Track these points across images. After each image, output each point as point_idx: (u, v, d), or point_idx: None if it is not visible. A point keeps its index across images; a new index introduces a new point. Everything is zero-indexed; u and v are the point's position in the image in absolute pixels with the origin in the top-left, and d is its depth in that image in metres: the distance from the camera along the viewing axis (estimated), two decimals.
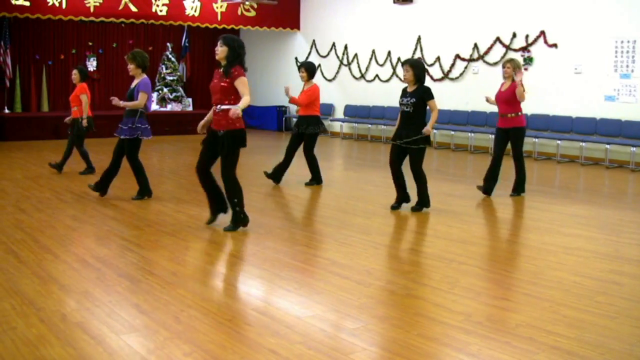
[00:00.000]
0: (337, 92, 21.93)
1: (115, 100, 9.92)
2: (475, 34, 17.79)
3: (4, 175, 12.36)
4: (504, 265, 7.14)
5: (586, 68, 15.55)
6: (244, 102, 7.77)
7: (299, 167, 11.97)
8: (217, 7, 21.26)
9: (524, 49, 16.70)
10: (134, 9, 19.65)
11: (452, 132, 17.79)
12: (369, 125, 20.40)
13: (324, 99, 21.40)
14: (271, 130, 22.96)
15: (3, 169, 13.20)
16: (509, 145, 10.83)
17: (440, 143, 18.35)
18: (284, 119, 23.11)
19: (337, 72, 21.98)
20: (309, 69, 11.67)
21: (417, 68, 9.41)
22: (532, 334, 4.98)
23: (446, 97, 18.00)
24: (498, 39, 17.27)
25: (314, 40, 22.67)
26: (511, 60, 10.80)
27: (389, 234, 8.66)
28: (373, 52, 20.73)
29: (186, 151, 16.82)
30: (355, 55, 21.33)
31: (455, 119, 17.98)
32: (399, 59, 19.76)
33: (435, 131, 17.98)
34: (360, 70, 21.22)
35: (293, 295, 5.92)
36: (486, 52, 17.54)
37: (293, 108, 23.23)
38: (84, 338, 4.80)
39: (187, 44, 23.47)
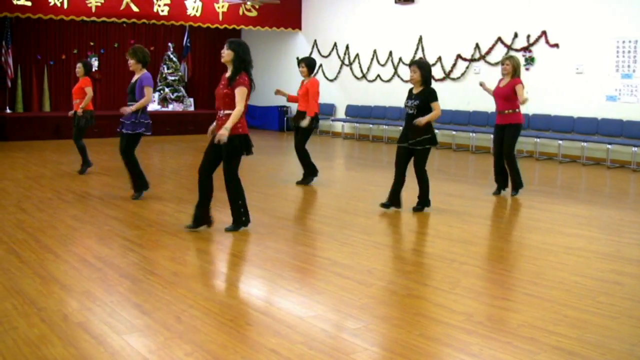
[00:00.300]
0: (339, 92, 21.93)
1: (124, 109, 9.89)
2: (477, 34, 17.79)
3: (5, 175, 12.37)
4: (505, 266, 7.14)
5: (588, 68, 15.55)
6: (233, 116, 7.80)
7: (299, 166, 11.95)
8: (218, 7, 21.26)
9: (526, 49, 16.69)
10: (135, 9, 19.65)
11: (454, 132, 17.79)
12: (371, 126, 20.39)
13: (325, 99, 21.46)
14: (273, 131, 22.97)
15: (4, 168, 13.20)
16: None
17: (442, 143, 18.32)
18: (285, 119, 23.12)
19: (339, 72, 21.99)
20: (309, 64, 11.67)
21: (424, 69, 9.43)
22: (533, 334, 4.98)
23: (448, 97, 17.98)
24: (499, 39, 17.27)
25: (315, 41, 22.67)
26: (511, 57, 10.83)
27: (390, 234, 8.66)
28: (374, 52, 20.73)
29: (187, 151, 16.82)
30: (357, 55, 21.33)
31: (457, 119, 17.98)
32: (400, 59, 19.78)
33: (436, 131, 17.89)
34: (361, 70, 21.22)
35: (294, 295, 5.92)
36: (488, 52, 17.54)
37: (294, 108, 23.24)
38: (85, 338, 4.80)
39: (188, 44, 23.48)
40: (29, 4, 17.97)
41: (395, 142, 9.65)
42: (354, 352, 4.61)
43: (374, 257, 7.25)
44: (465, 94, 17.88)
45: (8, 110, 19.95)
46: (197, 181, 8.16)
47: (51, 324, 5.05)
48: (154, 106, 21.84)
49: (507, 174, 10.92)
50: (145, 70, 10.04)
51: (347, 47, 21.65)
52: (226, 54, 7.88)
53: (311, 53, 22.56)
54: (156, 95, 22.05)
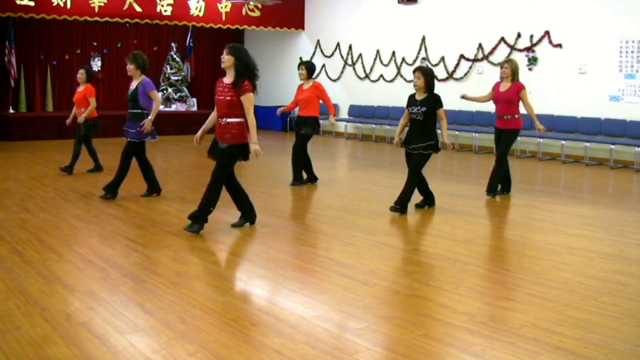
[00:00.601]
0: (342, 92, 21.92)
1: (147, 125, 9.88)
2: (480, 34, 17.77)
3: (8, 175, 12.38)
4: (508, 266, 7.13)
5: (591, 68, 15.53)
6: (253, 128, 7.81)
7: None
8: (221, 7, 21.27)
9: (529, 49, 16.68)
10: (138, 9, 19.66)
11: (457, 132, 17.77)
12: (374, 126, 20.39)
13: None
14: (276, 131, 22.97)
15: (8, 168, 13.22)
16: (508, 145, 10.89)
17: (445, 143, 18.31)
18: (288, 119, 23.11)
19: (342, 72, 21.98)
20: (309, 67, 11.67)
21: (428, 76, 9.46)
22: (536, 334, 4.97)
23: (450, 97, 17.94)
24: (503, 39, 17.26)
25: (318, 41, 22.67)
26: (509, 61, 10.84)
27: (393, 234, 8.65)
28: (377, 52, 20.73)
29: (190, 151, 16.82)
30: (360, 55, 21.33)
31: (460, 119, 17.96)
32: (403, 59, 19.78)
33: (439, 131, 17.90)
34: (364, 71, 21.21)
35: (297, 296, 5.93)
36: (491, 52, 17.53)
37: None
38: (88, 338, 4.80)
39: (191, 44, 23.47)
40: (32, 4, 17.99)
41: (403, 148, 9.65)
42: (357, 352, 4.61)
43: (377, 257, 7.25)
44: (469, 94, 17.84)
45: (11, 110, 19.94)
46: (229, 190, 8.30)
47: (54, 323, 5.06)
48: None
49: (509, 175, 10.92)
50: (144, 76, 10.04)
51: (350, 47, 21.65)
52: (226, 59, 7.82)
53: (314, 53, 22.56)
54: (159, 95, 22.02)
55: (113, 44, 22.30)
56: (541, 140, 16.03)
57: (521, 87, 10.58)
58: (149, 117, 9.90)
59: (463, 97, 11.27)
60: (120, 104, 21.20)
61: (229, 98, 7.81)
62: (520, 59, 16.55)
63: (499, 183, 10.86)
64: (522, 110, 10.78)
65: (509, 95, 10.56)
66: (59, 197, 10.29)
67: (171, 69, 22.48)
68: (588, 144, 15.29)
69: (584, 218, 9.47)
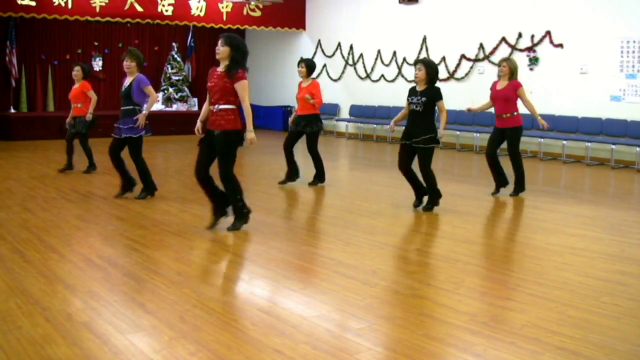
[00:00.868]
0: (343, 92, 21.93)
1: (141, 119, 9.91)
2: (481, 34, 17.77)
3: (9, 174, 12.39)
4: (509, 266, 7.13)
5: (592, 68, 15.53)
6: (249, 115, 7.87)
7: (304, 166, 11.93)
8: (222, 7, 21.27)
9: (530, 49, 16.68)
10: (139, 8, 19.66)
11: (458, 132, 17.78)
12: (375, 126, 20.39)
13: (329, 99, 21.46)
14: (276, 130, 22.96)
15: (9, 168, 13.22)
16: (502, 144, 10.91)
17: (446, 143, 18.31)
18: (289, 118, 23.09)
19: (343, 72, 21.98)
20: (308, 65, 11.64)
21: (430, 67, 9.42)
22: (537, 334, 4.97)
23: (452, 97, 17.94)
24: (504, 39, 17.25)
25: (319, 40, 22.67)
26: (508, 60, 10.82)
27: (394, 234, 8.65)
28: (378, 52, 20.73)
29: (192, 151, 16.72)
30: (361, 55, 21.33)
31: (461, 119, 17.95)
32: (404, 59, 19.77)
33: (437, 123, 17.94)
34: (365, 70, 21.21)
35: (298, 295, 5.93)
36: (492, 52, 17.52)
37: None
38: (89, 337, 4.80)
39: (192, 44, 23.48)
40: (33, 4, 17.99)
41: (398, 143, 9.59)
42: (358, 352, 4.61)
43: (378, 257, 7.25)
44: (469, 94, 17.83)
45: (12, 110, 19.96)
46: (200, 185, 8.13)
47: (55, 323, 5.06)
48: (157, 106, 21.85)
49: (504, 172, 10.90)
50: (138, 73, 10.04)
51: (351, 47, 21.65)
52: (222, 50, 7.81)
53: (315, 53, 22.55)
54: (160, 95, 22.09)
55: (114, 44, 22.31)
56: (542, 140, 16.03)
57: (518, 85, 10.60)
58: (143, 112, 9.91)
59: (469, 110, 11.22)
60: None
61: (226, 84, 7.81)
62: (522, 59, 16.56)
63: (502, 181, 10.88)
64: (522, 109, 10.78)
65: (507, 92, 10.56)
66: (60, 196, 10.29)
67: (172, 68, 22.49)
68: (589, 144, 15.28)
69: (585, 218, 9.46)
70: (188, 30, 23.15)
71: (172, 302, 5.60)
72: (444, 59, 18.74)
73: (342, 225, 8.74)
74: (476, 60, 18.01)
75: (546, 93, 16.18)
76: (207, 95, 8.10)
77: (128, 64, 9.94)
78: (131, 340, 4.77)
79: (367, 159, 16.66)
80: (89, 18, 19.23)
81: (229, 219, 8.26)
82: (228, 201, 8.25)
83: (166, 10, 20.22)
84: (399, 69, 20.03)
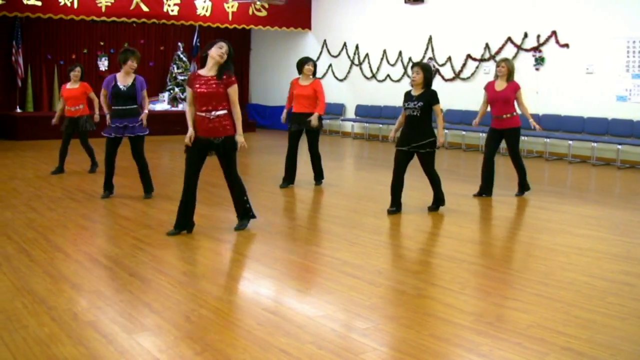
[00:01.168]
0: (348, 92, 21.93)
1: (145, 119, 9.98)
2: (487, 33, 17.75)
3: (15, 174, 12.41)
4: (515, 266, 7.13)
5: (598, 68, 15.50)
6: (240, 120, 7.84)
7: (308, 166, 11.92)
8: (228, 7, 21.28)
9: (536, 49, 16.66)
10: (145, 8, 19.69)
11: (464, 133, 17.76)
12: (380, 125, 20.38)
13: (335, 99, 21.48)
14: (282, 130, 22.91)
15: (15, 168, 13.25)
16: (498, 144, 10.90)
17: (452, 143, 18.31)
18: (282, 116, 23.07)
19: (348, 72, 21.98)
20: (315, 65, 11.67)
21: (427, 71, 9.34)
22: (543, 334, 4.97)
23: (457, 97, 17.98)
24: (509, 39, 17.23)
25: (325, 40, 22.67)
26: (507, 60, 10.76)
27: (399, 234, 8.65)
28: (384, 52, 20.72)
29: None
30: (367, 55, 21.32)
31: (467, 119, 17.87)
32: (410, 59, 19.74)
33: (446, 131, 17.97)
34: (371, 70, 21.21)
35: (304, 295, 5.93)
36: (497, 52, 17.49)
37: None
38: (95, 337, 4.81)
39: (198, 44, 23.48)
40: (39, 3, 18.03)
41: (397, 148, 9.49)
42: (364, 352, 4.61)
43: (384, 257, 7.25)
44: (475, 94, 17.73)
45: (18, 110, 20.01)
46: (186, 191, 7.99)
47: (61, 322, 5.07)
48: (163, 106, 21.90)
49: (493, 181, 10.86)
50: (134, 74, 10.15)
51: (356, 47, 21.64)
52: (225, 51, 7.73)
53: (321, 53, 22.56)
54: (166, 95, 22.14)
55: (120, 44, 22.29)
56: (548, 140, 16.01)
57: (518, 87, 10.56)
58: (146, 112, 10.07)
59: (476, 125, 11.13)
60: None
61: (216, 90, 7.70)
62: (527, 59, 16.56)
63: (522, 181, 10.87)
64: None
65: (507, 93, 10.51)
66: (66, 196, 10.31)
67: (178, 68, 22.52)
68: (595, 144, 15.26)
69: (590, 218, 9.45)
70: (194, 30, 23.17)
71: (178, 302, 5.61)
72: (449, 59, 18.72)
73: (348, 225, 8.74)
74: (482, 60, 17.99)
75: (552, 93, 16.16)
76: (193, 102, 7.86)
77: (134, 64, 9.97)
78: (137, 339, 4.78)
79: (373, 159, 16.65)
80: (95, 18, 19.27)
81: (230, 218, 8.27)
82: (192, 219, 8.17)
83: (172, 10, 20.24)
84: (405, 69, 20.01)
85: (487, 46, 17.80)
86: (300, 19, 22.90)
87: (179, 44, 22.83)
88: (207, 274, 6.63)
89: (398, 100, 19.56)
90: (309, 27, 23.17)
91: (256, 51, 25.23)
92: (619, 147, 14.80)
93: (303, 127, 11.37)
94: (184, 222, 8.05)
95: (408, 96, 9.36)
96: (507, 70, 10.54)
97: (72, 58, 21.29)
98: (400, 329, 5.18)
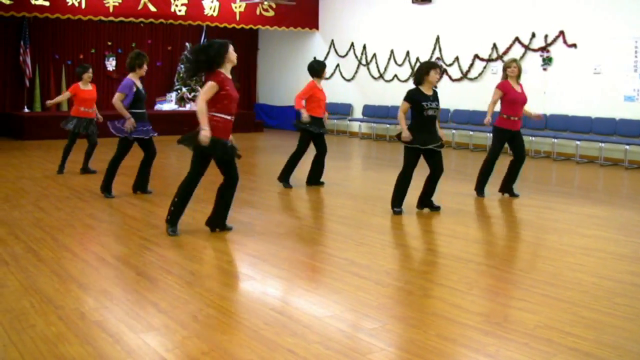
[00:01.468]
0: (356, 92, 21.92)
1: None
2: (494, 34, 17.73)
3: (23, 174, 12.44)
4: (522, 266, 7.12)
5: (606, 68, 15.47)
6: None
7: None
8: (235, 7, 21.29)
9: (543, 49, 16.63)
10: (153, 8, 19.72)
11: (471, 133, 17.73)
12: (388, 125, 20.37)
13: (342, 99, 21.52)
14: (289, 130, 22.94)
15: (23, 167, 13.28)
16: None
17: (459, 143, 18.30)
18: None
19: (356, 72, 21.97)
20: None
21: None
22: (550, 335, 4.96)
23: (465, 97, 17.96)
24: (517, 39, 17.21)
25: (332, 40, 22.67)
26: (516, 60, 10.70)
27: (406, 234, 8.64)
28: (392, 52, 20.71)
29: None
30: (374, 55, 21.32)
31: (474, 119, 17.89)
32: (417, 59, 19.72)
33: (454, 131, 17.96)
34: (378, 70, 21.20)
35: (311, 295, 5.93)
36: (505, 52, 17.46)
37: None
38: (102, 336, 4.82)
39: None
40: (46, 3, 18.07)
41: (421, 147, 9.41)
42: (371, 352, 4.61)
43: (391, 257, 7.25)
44: (483, 94, 17.71)
45: (26, 110, 20.07)
46: (193, 190, 8.10)
47: (68, 322, 5.08)
48: (171, 106, 21.94)
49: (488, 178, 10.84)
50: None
51: (364, 47, 21.64)
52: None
53: (328, 53, 22.57)
54: (173, 94, 22.18)
55: (127, 44, 22.36)
56: (555, 140, 15.98)
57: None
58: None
59: (488, 123, 11.08)
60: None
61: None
62: (535, 59, 16.53)
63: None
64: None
65: (525, 95, 10.52)
66: (74, 196, 10.33)
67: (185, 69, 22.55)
68: (602, 145, 15.22)
69: (598, 219, 9.43)
70: (201, 30, 23.19)
71: (185, 302, 5.61)
72: (457, 59, 18.70)
73: (355, 225, 8.74)
74: (489, 60, 17.96)
75: (560, 93, 16.14)
76: (226, 105, 7.79)
77: (146, 67, 10.13)
78: (144, 339, 4.79)
79: (380, 159, 16.64)
80: (102, 18, 19.31)
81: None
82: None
83: (179, 10, 20.27)
84: (412, 69, 19.98)
85: (494, 46, 17.78)
86: (308, 19, 22.91)
87: (187, 44, 22.83)
88: (214, 274, 6.64)
89: None
90: (317, 27, 23.17)
91: (263, 51, 25.24)
92: (627, 147, 14.77)
93: (325, 131, 11.40)
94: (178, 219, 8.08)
95: (425, 96, 9.20)
96: (519, 70, 10.49)
97: (79, 58, 21.34)
98: (408, 329, 5.18)
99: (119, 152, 10.20)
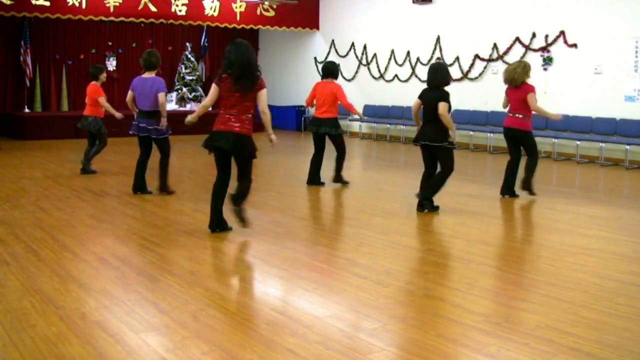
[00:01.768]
0: (356, 92, 21.88)
1: None
2: (495, 34, 17.72)
3: (24, 174, 12.44)
4: (523, 266, 7.11)
5: (606, 68, 15.46)
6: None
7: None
8: (236, 7, 21.29)
9: (544, 49, 16.62)
10: (153, 8, 19.71)
11: (471, 133, 17.73)
12: (388, 125, 20.36)
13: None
14: (290, 130, 22.97)
15: (23, 168, 13.28)
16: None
17: (460, 143, 18.23)
18: (302, 118, 23.13)
19: (356, 72, 21.97)
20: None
21: None
22: (551, 335, 4.96)
23: (465, 97, 17.94)
24: (517, 39, 17.20)
25: (333, 40, 22.66)
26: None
27: (407, 234, 8.64)
28: (392, 52, 20.70)
29: (205, 151, 16.79)
30: (374, 55, 21.31)
31: (475, 119, 17.91)
32: (418, 59, 19.73)
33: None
34: (379, 70, 21.19)
35: (311, 295, 5.93)
36: (505, 52, 17.46)
37: (311, 108, 23.20)
38: (102, 336, 4.82)
39: (206, 44, 23.52)
40: (47, 3, 18.06)
41: (412, 142, 9.57)
42: (371, 352, 4.61)
43: (392, 257, 7.24)
44: (483, 94, 17.83)
45: (26, 110, 20.07)
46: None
47: (69, 322, 5.08)
48: (171, 106, 21.94)
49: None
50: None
51: (364, 47, 21.63)
52: None
53: (329, 53, 22.56)
54: (174, 95, 22.17)
55: (128, 44, 22.36)
56: (556, 140, 15.97)
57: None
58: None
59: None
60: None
61: None
62: (536, 59, 16.51)
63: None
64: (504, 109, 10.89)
65: None
66: (74, 196, 10.33)
67: (186, 68, 22.54)
68: (603, 145, 15.21)
69: (599, 219, 9.42)
70: (202, 30, 23.19)
71: (186, 302, 5.61)
72: (457, 59, 18.69)
73: (356, 225, 8.74)
74: (490, 60, 17.95)
75: (560, 93, 16.12)
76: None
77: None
78: (144, 339, 4.78)
79: (381, 159, 16.64)
80: (103, 18, 19.29)
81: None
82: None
83: (180, 10, 20.26)
84: (413, 69, 20.00)
85: (495, 46, 17.76)
86: (309, 19, 22.90)
87: (187, 44, 22.84)
88: (214, 274, 6.64)
89: (406, 101, 19.69)
90: (317, 27, 23.17)
91: (264, 51, 25.22)
92: (627, 147, 14.76)
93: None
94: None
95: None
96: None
97: (80, 58, 21.35)
98: (408, 329, 5.17)
99: (169, 151, 10.49)
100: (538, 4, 16.68)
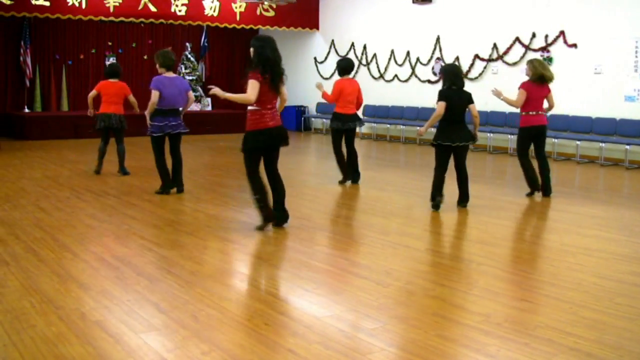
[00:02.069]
0: None
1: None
2: (495, 34, 17.72)
3: (24, 174, 12.44)
4: (523, 266, 7.11)
5: (606, 68, 15.46)
6: (238, 96, 8.22)
7: (316, 166, 11.92)
8: (236, 7, 21.29)
9: (544, 49, 16.62)
10: (153, 8, 19.71)
11: None
12: (388, 125, 20.36)
13: None
14: (291, 130, 22.96)
15: (23, 168, 13.28)
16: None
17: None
18: (303, 118, 23.13)
19: (356, 72, 21.92)
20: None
21: None
22: (551, 335, 4.95)
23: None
24: (517, 39, 17.20)
25: (332, 40, 22.67)
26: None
27: (407, 234, 8.63)
28: (392, 52, 20.70)
29: (205, 151, 16.84)
30: (374, 55, 21.31)
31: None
32: (417, 59, 19.73)
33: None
34: (379, 70, 21.19)
35: (311, 295, 5.92)
36: (505, 52, 17.47)
37: (312, 108, 23.25)
38: (102, 336, 4.82)
39: (206, 44, 23.52)
40: (47, 4, 18.07)
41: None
42: (371, 353, 4.61)
43: (392, 258, 7.24)
44: (483, 94, 17.70)
45: (26, 110, 20.06)
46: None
47: (69, 322, 5.08)
48: None
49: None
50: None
51: (364, 47, 21.64)
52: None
53: (328, 53, 22.58)
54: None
55: (128, 44, 22.36)
56: (556, 140, 15.97)
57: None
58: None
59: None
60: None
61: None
62: None
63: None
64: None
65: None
66: (74, 196, 10.33)
67: (186, 68, 22.52)
68: (603, 145, 15.21)
69: (599, 219, 9.42)
70: (201, 30, 23.19)
71: (185, 302, 5.61)
72: (457, 59, 18.68)
73: (356, 226, 8.75)
74: (490, 60, 17.95)
75: (560, 93, 16.10)
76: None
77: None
78: (144, 339, 4.78)
79: (381, 159, 16.63)
80: (103, 18, 19.30)
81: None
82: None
83: (180, 11, 20.27)
84: (413, 69, 20.00)
85: (494, 46, 17.77)
86: (308, 18, 22.90)
87: (187, 44, 22.84)
88: (214, 274, 6.64)
89: (406, 101, 19.70)
90: (317, 27, 23.17)
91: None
92: (627, 147, 14.76)
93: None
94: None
95: None
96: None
97: (80, 58, 21.34)
98: (408, 329, 5.17)
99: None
100: (538, 4, 16.69)
